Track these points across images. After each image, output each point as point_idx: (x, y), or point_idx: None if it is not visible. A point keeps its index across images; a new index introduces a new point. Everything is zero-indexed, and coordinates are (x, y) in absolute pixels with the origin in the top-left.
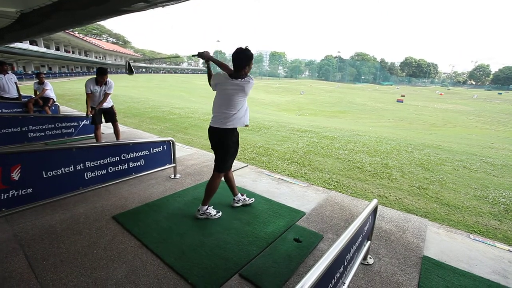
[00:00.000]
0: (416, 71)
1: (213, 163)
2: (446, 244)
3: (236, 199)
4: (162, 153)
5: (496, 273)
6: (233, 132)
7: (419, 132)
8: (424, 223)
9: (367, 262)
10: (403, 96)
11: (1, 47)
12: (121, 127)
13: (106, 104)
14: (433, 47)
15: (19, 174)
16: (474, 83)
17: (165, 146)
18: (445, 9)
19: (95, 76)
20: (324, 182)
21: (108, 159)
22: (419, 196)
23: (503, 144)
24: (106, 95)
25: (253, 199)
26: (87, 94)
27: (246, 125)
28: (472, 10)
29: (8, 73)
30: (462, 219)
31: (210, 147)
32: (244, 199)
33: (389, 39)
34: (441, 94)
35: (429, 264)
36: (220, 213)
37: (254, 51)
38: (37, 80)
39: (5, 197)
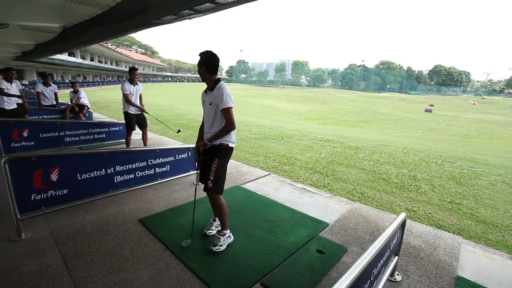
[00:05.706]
0: (446, 80)
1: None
2: (484, 265)
3: (215, 224)
4: (186, 160)
5: None
6: (221, 150)
7: (450, 144)
8: (457, 240)
9: (395, 279)
10: (431, 105)
11: (44, 58)
12: (148, 134)
13: (137, 109)
14: (465, 54)
15: (57, 176)
16: None
17: (189, 152)
18: (479, 13)
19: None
20: (347, 193)
21: (136, 164)
22: (451, 211)
23: None
24: (140, 96)
25: (232, 238)
26: (126, 95)
27: (231, 146)
28: (509, 13)
29: (50, 85)
30: (501, 238)
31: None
32: (220, 231)
33: (417, 46)
34: (474, 104)
35: (464, 286)
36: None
37: (276, 60)
38: (72, 89)
39: (45, 196)
